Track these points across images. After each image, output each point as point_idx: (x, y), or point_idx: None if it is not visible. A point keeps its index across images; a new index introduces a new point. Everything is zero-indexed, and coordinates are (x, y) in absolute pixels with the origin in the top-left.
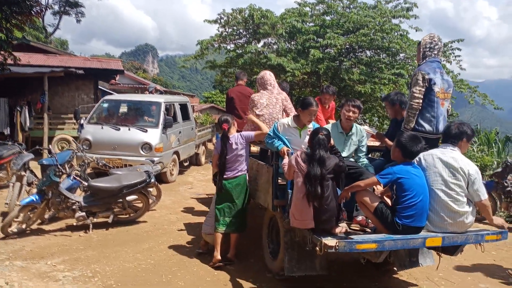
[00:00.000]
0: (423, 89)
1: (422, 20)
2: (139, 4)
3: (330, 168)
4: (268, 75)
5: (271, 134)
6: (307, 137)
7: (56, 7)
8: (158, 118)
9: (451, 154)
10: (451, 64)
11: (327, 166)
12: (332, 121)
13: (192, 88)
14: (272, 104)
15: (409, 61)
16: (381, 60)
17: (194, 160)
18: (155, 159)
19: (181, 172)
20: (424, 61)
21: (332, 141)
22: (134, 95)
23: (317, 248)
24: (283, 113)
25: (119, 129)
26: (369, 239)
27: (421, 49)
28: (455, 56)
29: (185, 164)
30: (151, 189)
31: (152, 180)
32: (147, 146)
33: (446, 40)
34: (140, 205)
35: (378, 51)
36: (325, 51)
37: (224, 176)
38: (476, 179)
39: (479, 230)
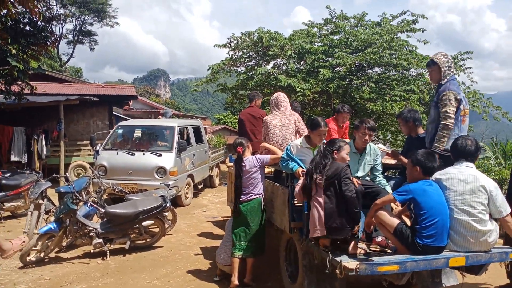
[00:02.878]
0: (455, 109)
1: (430, 34)
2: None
3: (334, 176)
4: (282, 97)
5: (285, 156)
6: None
7: (70, 37)
8: (172, 142)
9: (469, 171)
10: (458, 75)
11: (329, 173)
12: (346, 140)
13: (203, 110)
14: (285, 125)
15: (420, 76)
16: (391, 77)
17: (208, 183)
18: (170, 183)
19: (195, 195)
20: (446, 80)
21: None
22: (148, 120)
23: (337, 271)
24: (296, 135)
25: (133, 154)
26: (390, 260)
27: (442, 69)
28: (465, 69)
29: (200, 186)
30: (166, 214)
31: (168, 205)
32: (161, 170)
33: (454, 53)
34: (156, 230)
35: (388, 67)
36: (335, 70)
37: (239, 200)
38: (498, 195)
39: (504, 247)
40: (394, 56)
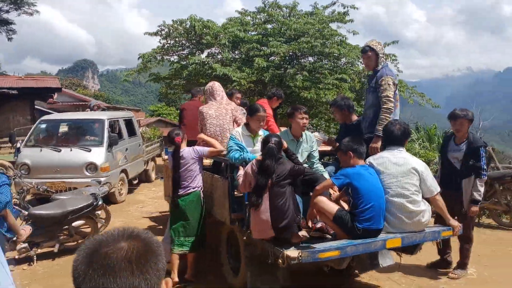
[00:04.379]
0: (393, 94)
1: (357, 25)
2: (73, 18)
3: (284, 173)
4: (217, 86)
5: (233, 146)
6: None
7: None
8: (102, 136)
9: (400, 154)
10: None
11: (280, 173)
12: (283, 129)
13: (136, 102)
14: (221, 115)
15: (350, 65)
16: (324, 66)
17: (144, 177)
18: (102, 179)
19: (130, 191)
20: (381, 66)
21: (285, 144)
22: (74, 113)
23: (280, 261)
24: (234, 124)
25: (60, 151)
26: (331, 246)
27: (380, 55)
28: (392, 59)
29: (135, 182)
30: (99, 212)
31: (99, 203)
32: (92, 166)
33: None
34: (89, 230)
35: (320, 57)
36: (269, 59)
37: (177, 194)
38: (428, 175)
39: (435, 226)
40: (326, 45)
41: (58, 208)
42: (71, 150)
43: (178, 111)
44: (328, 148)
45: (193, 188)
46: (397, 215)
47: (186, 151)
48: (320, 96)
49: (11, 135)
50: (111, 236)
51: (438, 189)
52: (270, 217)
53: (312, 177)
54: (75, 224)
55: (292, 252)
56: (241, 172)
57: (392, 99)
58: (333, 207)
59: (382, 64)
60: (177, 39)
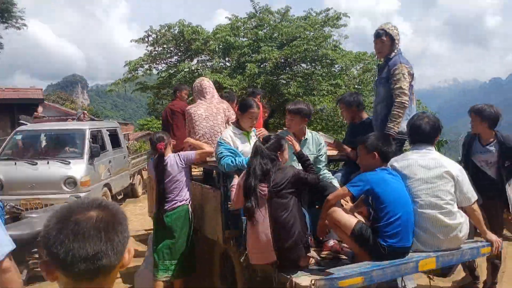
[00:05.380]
0: (409, 85)
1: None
2: (62, 33)
3: (284, 181)
4: (207, 82)
5: (224, 151)
6: None
7: None
8: (82, 147)
9: (430, 155)
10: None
11: (280, 180)
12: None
13: (126, 117)
14: (212, 115)
15: (345, 71)
16: (317, 72)
17: (129, 192)
18: (82, 194)
19: None
20: (394, 53)
21: (297, 146)
22: (53, 123)
23: None
24: (226, 126)
25: (35, 164)
26: (353, 271)
27: (395, 41)
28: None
29: (119, 197)
30: None
31: None
32: (71, 181)
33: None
34: None
35: (314, 63)
36: (261, 65)
37: (163, 209)
38: (464, 180)
39: (472, 242)
40: (319, 47)
41: (25, 229)
42: (48, 164)
43: (163, 116)
44: (335, 152)
45: (180, 202)
46: (429, 230)
47: (170, 158)
48: (314, 103)
49: None
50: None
51: (476, 196)
52: (271, 236)
53: (319, 186)
54: None
55: (303, 280)
56: (235, 181)
57: (406, 92)
58: (351, 220)
59: (396, 51)
60: (165, 46)
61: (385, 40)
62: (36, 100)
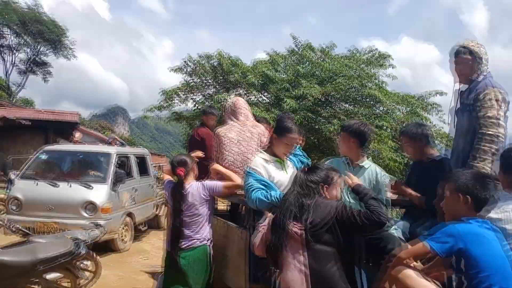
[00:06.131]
0: (503, 114)
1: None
2: (109, 67)
3: (324, 221)
4: (242, 102)
5: (254, 184)
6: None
7: (23, 67)
8: (106, 171)
9: None
10: (431, 115)
11: (319, 220)
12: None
13: (163, 149)
14: (245, 140)
15: (391, 113)
16: (361, 112)
17: (154, 223)
18: (101, 222)
19: (137, 238)
20: (483, 76)
21: (354, 179)
22: (82, 145)
23: None
24: None
25: (57, 186)
26: None
27: (481, 59)
28: (438, 111)
29: (143, 228)
30: (87, 263)
31: (82, 251)
32: (91, 206)
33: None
34: (68, 285)
35: (356, 103)
36: (300, 102)
37: (179, 247)
38: None
39: None
40: (364, 86)
41: (26, 255)
42: (70, 186)
43: (189, 139)
44: (394, 196)
45: (200, 242)
46: None
47: (192, 187)
48: None
49: (5, 164)
50: None
51: None
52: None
53: (378, 237)
54: (50, 277)
55: None
56: (265, 220)
57: (501, 122)
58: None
59: (485, 73)
60: (202, 77)
61: (466, 59)
62: (72, 123)
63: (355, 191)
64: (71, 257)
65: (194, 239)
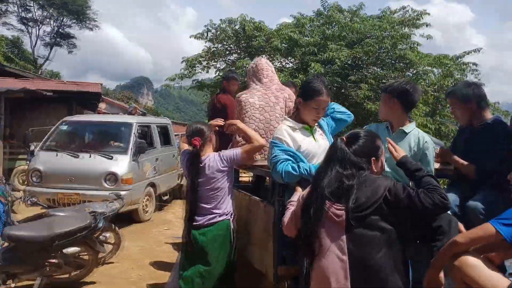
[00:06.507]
0: None
1: None
2: (133, 37)
3: (371, 202)
4: (265, 63)
5: (280, 155)
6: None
7: (48, 39)
8: (127, 142)
9: None
10: (466, 76)
11: (364, 200)
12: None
13: (186, 119)
14: (269, 105)
15: (422, 76)
16: (391, 75)
17: (177, 193)
18: (123, 193)
19: (160, 208)
20: None
21: (400, 150)
22: (102, 115)
23: None
24: None
25: (78, 157)
26: None
27: None
28: (472, 70)
29: (166, 198)
30: (107, 235)
31: (100, 225)
32: (112, 177)
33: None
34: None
35: (387, 66)
36: (327, 66)
37: (194, 223)
38: None
39: None
40: (396, 46)
41: (43, 230)
42: (90, 157)
43: (209, 107)
44: (437, 165)
45: (220, 216)
46: None
47: (210, 158)
48: None
49: (26, 136)
50: None
51: None
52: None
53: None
54: (68, 251)
55: None
56: (296, 196)
57: None
58: (500, 280)
59: None
60: (224, 42)
61: None
62: (95, 94)
63: (401, 164)
64: (89, 232)
65: (214, 214)
